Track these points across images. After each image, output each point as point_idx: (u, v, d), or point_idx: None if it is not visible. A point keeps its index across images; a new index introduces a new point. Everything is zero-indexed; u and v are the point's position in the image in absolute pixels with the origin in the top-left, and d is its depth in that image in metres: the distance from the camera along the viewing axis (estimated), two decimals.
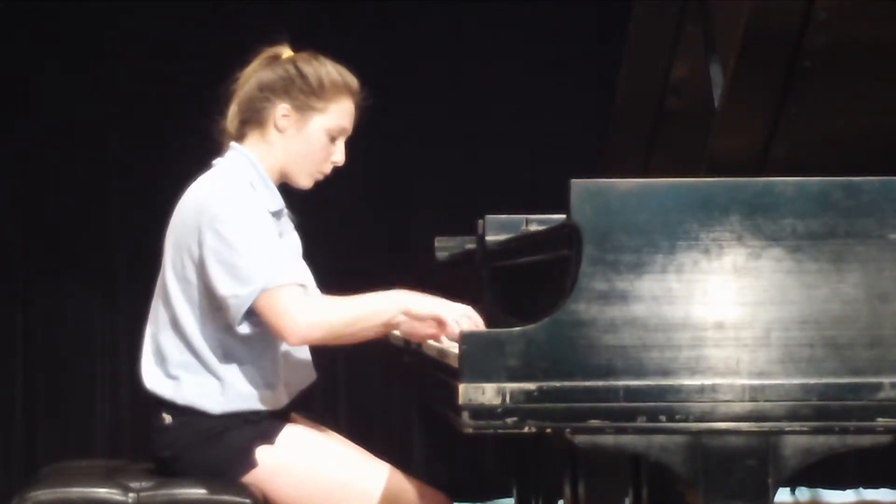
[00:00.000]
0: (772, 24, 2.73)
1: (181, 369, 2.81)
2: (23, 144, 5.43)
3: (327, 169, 2.95)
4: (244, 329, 2.76)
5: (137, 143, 5.47)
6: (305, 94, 2.88)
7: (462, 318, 2.67)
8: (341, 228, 5.43)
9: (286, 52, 2.94)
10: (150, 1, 5.45)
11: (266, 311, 2.72)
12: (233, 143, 2.92)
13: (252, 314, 2.75)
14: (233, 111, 2.93)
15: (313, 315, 2.71)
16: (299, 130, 2.89)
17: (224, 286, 2.73)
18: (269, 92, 2.89)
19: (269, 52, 2.95)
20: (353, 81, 2.93)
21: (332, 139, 2.92)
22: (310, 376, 2.98)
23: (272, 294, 2.71)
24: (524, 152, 5.67)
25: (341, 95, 2.91)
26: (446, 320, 2.68)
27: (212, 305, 2.79)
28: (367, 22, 5.56)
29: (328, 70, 2.90)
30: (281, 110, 2.88)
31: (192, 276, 2.79)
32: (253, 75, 2.92)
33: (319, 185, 2.98)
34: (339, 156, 2.93)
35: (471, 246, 3.43)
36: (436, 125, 5.61)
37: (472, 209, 3.44)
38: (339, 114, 2.91)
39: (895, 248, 2.34)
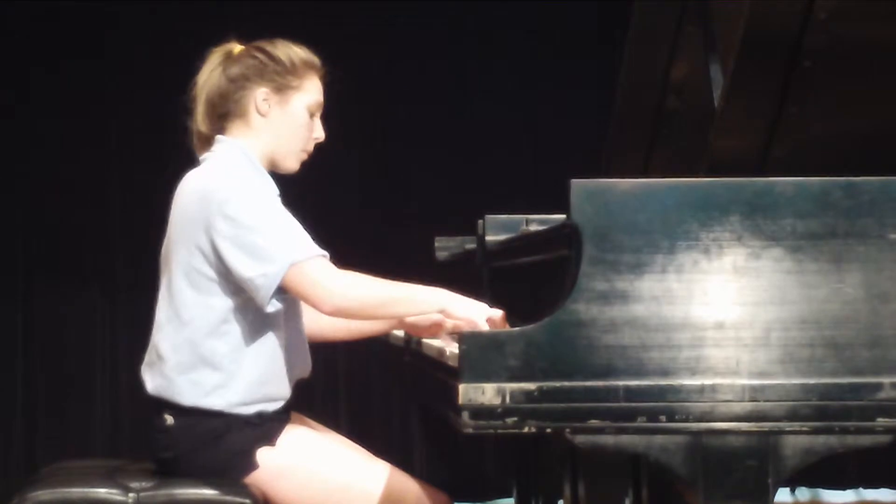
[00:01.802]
0: (772, 24, 2.73)
1: (178, 370, 2.80)
2: (23, 145, 5.42)
3: (310, 147, 2.97)
4: (272, 307, 2.76)
5: (137, 143, 5.46)
6: (281, 75, 2.91)
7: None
8: (341, 228, 5.41)
9: (237, 46, 2.97)
10: (151, 0, 5.45)
11: (297, 284, 2.73)
12: (219, 136, 2.92)
13: (278, 291, 2.75)
14: (202, 112, 2.93)
15: (347, 286, 2.74)
16: (282, 111, 2.91)
17: (248, 268, 2.73)
18: (244, 80, 2.90)
19: (220, 50, 2.97)
20: (316, 59, 2.97)
21: (311, 115, 2.95)
22: (307, 368, 2.97)
23: (301, 267, 2.72)
24: (524, 152, 5.67)
25: (311, 72, 2.95)
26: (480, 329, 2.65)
27: (225, 291, 2.77)
28: (368, 22, 5.55)
29: (294, 50, 2.95)
30: (260, 94, 2.90)
31: (202, 265, 2.78)
32: (212, 75, 2.93)
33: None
34: (319, 132, 2.97)
35: (471, 246, 3.42)
36: (436, 125, 5.60)
37: (472, 209, 3.44)
38: (314, 89, 2.95)
39: (895, 248, 2.34)
